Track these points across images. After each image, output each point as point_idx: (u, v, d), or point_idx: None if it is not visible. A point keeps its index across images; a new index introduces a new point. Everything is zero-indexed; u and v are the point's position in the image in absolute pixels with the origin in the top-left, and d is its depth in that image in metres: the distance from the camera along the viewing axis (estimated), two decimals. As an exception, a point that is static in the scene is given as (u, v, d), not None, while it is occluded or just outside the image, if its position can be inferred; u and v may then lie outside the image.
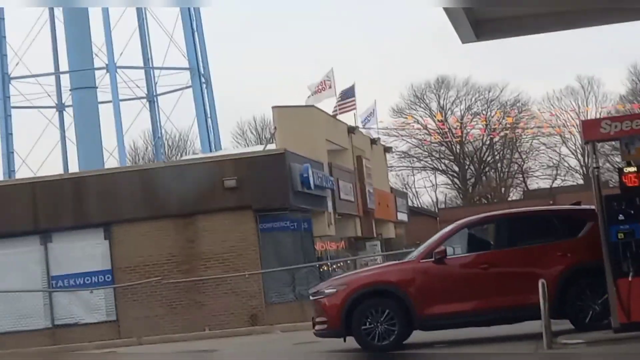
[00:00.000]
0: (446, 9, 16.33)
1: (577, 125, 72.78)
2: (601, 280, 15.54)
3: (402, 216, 56.30)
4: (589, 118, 59.80)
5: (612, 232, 15.21)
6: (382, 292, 17.56)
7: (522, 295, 16.72)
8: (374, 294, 17.56)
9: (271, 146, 39.25)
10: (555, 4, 17.29)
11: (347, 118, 46.32)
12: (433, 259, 17.47)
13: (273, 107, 38.16)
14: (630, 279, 14.95)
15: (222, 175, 30.39)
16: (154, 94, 58.93)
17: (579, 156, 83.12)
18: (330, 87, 42.98)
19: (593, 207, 16.20)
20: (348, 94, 45.99)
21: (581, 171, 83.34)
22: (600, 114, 74.08)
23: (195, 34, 57.65)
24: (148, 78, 58.65)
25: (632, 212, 15.21)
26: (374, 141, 50.42)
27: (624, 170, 15.48)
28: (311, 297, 18.51)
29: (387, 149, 57.40)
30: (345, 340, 17.67)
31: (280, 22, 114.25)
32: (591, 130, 15.74)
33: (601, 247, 15.38)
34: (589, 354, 14.42)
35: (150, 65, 58.53)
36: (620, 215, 15.24)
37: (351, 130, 44.15)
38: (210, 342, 24.77)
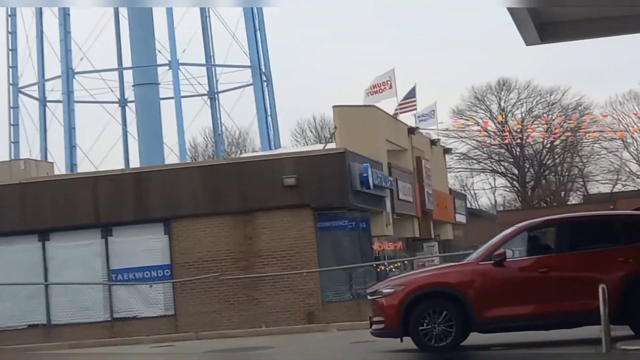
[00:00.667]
0: (511, 11, 16.25)
1: (639, 129, 72.04)
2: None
3: (461, 218, 56.13)
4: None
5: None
6: (441, 293, 17.52)
7: (582, 300, 16.61)
8: (432, 295, 17.53)
9: (331, 145, 39.33)
10: (623, 6, 17.15)
11: (408, 119, 46.28)
12: (492, 262, 17.41)
13: (334, 107, 38.24)
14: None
15: (282, 173, 30.50)
16: (215, 91, 59.29)
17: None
18: (390, 87, 42.92)
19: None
20: (409, 95, 45.94)
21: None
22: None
23: (257, 32, 57.94)
24: (209, 75, 59.05)
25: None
26: (433, 142, 50.32)
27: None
28: (369, 297, 18.53)
29: (447, 150, 57.26)
30: (402, 341, 17.67)
31: (343, 21, 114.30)
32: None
33: (663, 253, 15.23)
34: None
35: (212, 63, 58.89)
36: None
37: (411, 131, 44.11)
38: (267, 339, 24.88)
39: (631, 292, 16.67)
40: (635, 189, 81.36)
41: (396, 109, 44.72)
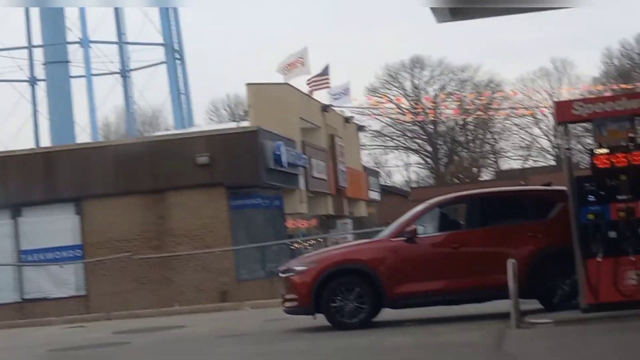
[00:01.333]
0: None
1: (549, 106, 73.00)
2: (570, 261, 15.59)
3: (374, 195, 56.40)
4: (561, 100, 59.94)
5: (582, 213, 15.27)
6: (353, 270, 17.55)
7: (492, 275, 16.75)
8: (344, 272, 17.56)
9: (245, 123, 39.18)
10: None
11: (321, 97, 46.27)
12: (404, 238, 17.50)
13: (247, 84, 38.10)
14: (599, 260, 15.01)
15: (194, 151, 30.33)
16: (127, 69, 58.65)
17: (551, 137, 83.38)
18: (303, 65, 42.86)
19: (564, 188, 16.24)
20: (322, 72, 45.93)
21: (553, 152, 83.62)
22: (572, 96, 74.34)
23: (170, 10, 57.39)
24: (121, 53, 58.40)
25: (603, 193, 15.26)
26: (347, 120, 50.43)
27: (596, 152, 15.51)
28: (281, 275, 18.50)
29: (360, 128, 57.44)
30: (315, 318, 17.69)
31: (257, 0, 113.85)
32: (564, 112, 15.77)
33: (571, 228, 15.42)
34: (556, 334, 14.47)
35: (124, 40, 58.22)
36: (591, 196, 15.29)
37: (325, 108, 44.13)
38: (179, 318, 24.72)
39: (540, 266, 16.87)
40: (546, 164, 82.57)
41: (308, 84, 44.62)
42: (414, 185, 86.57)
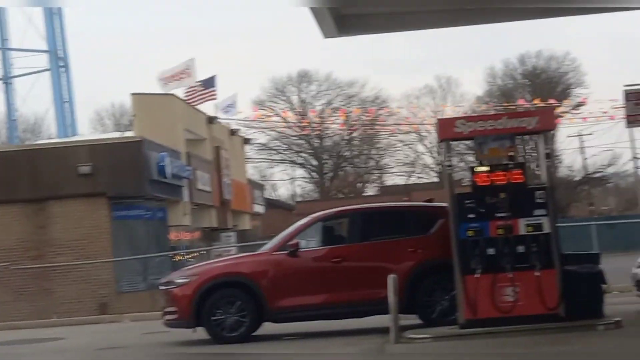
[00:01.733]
0: (310, 5, 16.34)
1: (433, 123, 73.98)
2: (450, 277, 15.76)
3: (259, 208, 56.34)
4: (444, 117, 60.76)
5: (462, 229, 15.44)
6: (234, 283, 17.48)
7: (373, 289, 16.88)
8: (225, 285, 17.48)
9: (129, 133, 38.75)
10: (415, 4, 17.51)
11: (207, 109, 46.05)
12: (286, 252, 17.50)
13: (132, 94, 37.68)
14: (477, 276, 15.21)
15: (77, 161, 29.89)
16: (10, 75, 57.56)
17: (435, 154, 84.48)
18: (190, 76, 42.61)
19: (445, 204, 16.43)
20: (209, 84, 45.70)
21: (436, 169, 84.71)
22: (456, 114, 75.46)
23: (55, 16, 56.52)
24: (4, 59, 57.29)
25: (483, 210, 15.47)
26: (233, 132, 50.29)
27: (476, 170, 15.73)
28: (161, 287, 18.31)
29: (246, 141, 57.32)
30: (195, 331, 17.54)
31: (144, 9, 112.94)
32: (446, 129, 15.96)
33: (451, 244, 15.60)
34: (434, 349, 14.61)
35: (7, 47, 57.15)
36: (471, 213, 15.47)
37: (210, 120, 43.94)
38: (58, 330, 24.27)
39: (420, 282, 17.05)
40: (429, 181, 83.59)
41: (193, 95, 44.31)
42: (299, 199, 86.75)
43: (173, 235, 36.38)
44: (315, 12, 16.91)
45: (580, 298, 15.26)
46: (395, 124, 76.94)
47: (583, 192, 79.59)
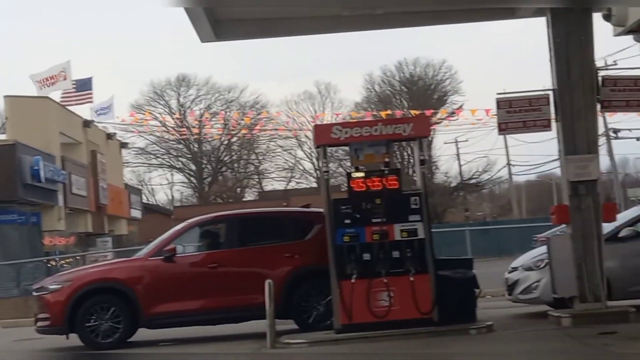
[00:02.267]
0: (186, 9, 16.24)
1: (312, 129, 74.22)
2: (326, 282, 15.80)
3: (136, 213, 55.79)
4: (323, 123, 61.08)
5: (338, 235, 15.50)
6: (109, 289, 17.26)
7: (250, 295, 16.85)
8: (100, 291, 17.25)
9: (1, 137, 37.96)
10: (291, 10, 17.55)
11: (84, 112, 45.41)
12: (162, 257, 17.35)
13: (5, 97, 36.94)
14: (353, 281, 15.29)
15: (-54, 163, 29.13)
16: None
17: (314, 159, 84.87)
18: (65, 78, 41.95)
19: (322, 210, 16.48)
20: (84, 86, 45.06)
21: (315, 174, 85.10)
22: (335, 120, 75.94)
23: None
24: None
25: (358, 216, 15.55)
26: (109, 136, 49.72)
27: (352, 175, 15.82)
28: (34, 293, 17.97)
29: (123, 145, 56.75)
30: (68, 338, 17.26)
31: (24, 9, 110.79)
32: (322, 135, 16.02)
33: (327, 249, 15.65)
34: (310, 354, 14.65)
35: None
36: (347, 219, 15.55)
37: (86, 124, 43.34)
38: None
39: (296, 287, 17.08)
40: (308, 186, 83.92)
41: (67, 98, 43.67)
42: (178, 204, 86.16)
43: (47, 241, 35.79)
44: (192, 16, 16.82)
45: (454, 303, 15.48)
46: (274, 129, 77.05)
47: (459, 198, 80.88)
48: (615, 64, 45.41)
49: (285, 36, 20.73)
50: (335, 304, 15.47)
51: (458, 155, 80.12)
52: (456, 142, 78.77)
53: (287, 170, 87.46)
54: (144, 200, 72.98)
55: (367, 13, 17.19)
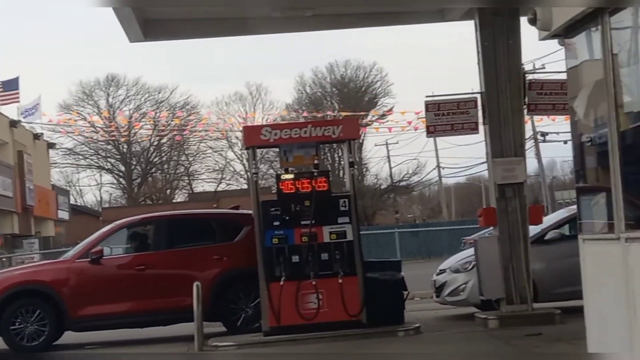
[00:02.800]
0: (114, 8, 16.10)
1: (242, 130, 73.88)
2: (255, 284, 15.74)
3: (63, 214, 55.21)
4: (250, 124, 60.97)
5: (267, 237, 15.45)
6: (34, 291, 17.06)
7: (178, 297, 16.76)
8: (25, 294, 17.04)
9: None
10: (219, 11, 17.49)
11: (10, 112, 44.81)
12: (89, 259, 17.18)
13: None
14: (281, 283, 15.25)
15: None
16: None
17: (244, 161, 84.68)
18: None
19: (251, 211, 16.42)
20: (11, 86, 44.47)
21: (246, 176, 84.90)
22: (266, 121, 75.89)
23: None
24: None
25: (287, 218, 15.52)
26: (37, 136, 49.13)
27: (281, 177, 15.78)
28: (-46, 296, 17.67)
29: (51, 145, 56.15)
30: (-9, 341, 17.02)
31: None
32: (251, 137, 15.96)
33: (256, 251, 15.59)
34: (238, 356, 14.59)
35: None
36: (276, 221, 15.50)
37: (13, 124, 42.79)
38: None
39: (224, 289, 17.01)
40: (239, 188, 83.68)
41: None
42: (106, 205, 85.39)
43: (-28, 242, 35.20)
44: (121, 16, 16.68)
45: (382, 305, 15.52)
46: (204, 130, 76.74)
47: (389, 200, 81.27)
48: (544, 68, 46.04)
49: (215, 37, 20.70)
50: (263, 306, 15.42)
51: (388, 157, 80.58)
52: (386, 144, 79.19)
53: (218, 171, 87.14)
54: (72, 201, 72.25)
55: (297, 15, 17.17)
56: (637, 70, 8.90)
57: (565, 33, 10.23)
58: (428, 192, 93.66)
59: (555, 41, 10.66)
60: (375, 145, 78.75)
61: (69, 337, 17.38)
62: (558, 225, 17.83)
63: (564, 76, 13.27)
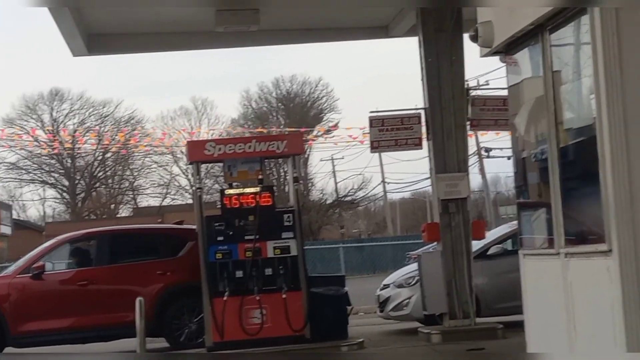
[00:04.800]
0: (57, 21, 16.01)
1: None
2: (198, 300, 15.68)
3: (6, 229, 54.64)
4: (194, 139, 60.78)
5: (210, 252, 15.40)
6: (-26, 307, 16.85)
7: (120, 313, 16.65)
8: (-35, 310, 16.82)
9: None
10: (163, 25, 17.46)
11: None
12: (30, 274, 17.02)
13: None
14: (225, 298, 15.20)
15: None
16: None
17: (190, 176, 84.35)
18: None
19: (195, 226, 16.37)
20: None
21: (191, 191, 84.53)
22: (212, 136, 75.68)
23: None
24: None
25: (231, 233, 15.47)
26: (-21, 150, 48.60)
27: (225, 192, 15.75)
28: None
29: (-7, 159, 55.55)
30: None
31: None
32: (195, 151, 15.93)
33: (200, 266, 15.54)
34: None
35: None
36: (220, 235, 15.46)
37: (-45, 137, 42.33)
38: None
39: (168, 304, 16.95)
40: (184, 202, 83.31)
41: None
42: (50, 220, 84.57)
43: None
44: (64, 30, 16.58)
45: (326, 320, 15.52)
46: (149, 145, 76.37)
47: (334, 215, 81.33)
48: (487, 84, 46.43)
49: (159, 51, 20.60)
50: (207, 321, 15.36)
51: (334, 172, 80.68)
52: (332, 159, 79.32)
53: (163, 186, 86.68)
54: (15, 216, 71.48)
55: (242, 29, 17.17)
56: (578, 87, 9.02)
57: (507, 50, 10.35)
58: (373, 207, 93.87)
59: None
60: (321, 160, 78.84)
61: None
62: (500, 240, 17.97)
63: (506, 92, 13.42)
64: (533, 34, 9.56)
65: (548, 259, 9.41)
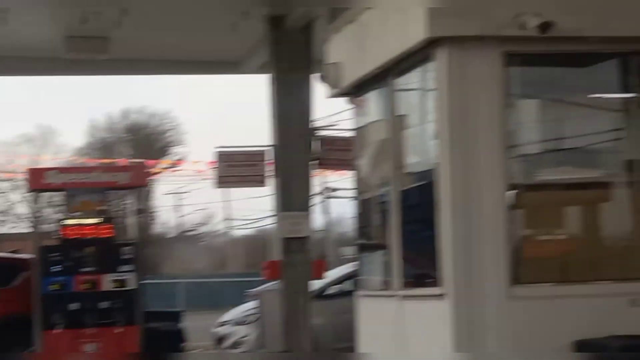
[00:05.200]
0: None
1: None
2: (31, 332, 15.26)
3: None
4: (34, 167, 59.49)
5: (45, 282, 15.02)
6: None
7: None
8: None
9: None
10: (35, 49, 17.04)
11: None
12: None
13: None
14: (58, 331, 14.82)
15: None
16: None
17: (30, 204, 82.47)
18: None
19: (31, 256, 15.96)
20: None
21: (30, 219, 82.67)
22: (55, 164, 74.22)
23: None
24: None
25: (68, 264, 15.15)
26: None
27: (64, 222, 15.41)
28: None
29: None
30: None
31: None
32: (35, 180, 15.60)
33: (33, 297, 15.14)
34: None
35: None
36: (56, 266, 15.10)
37: None
38: None
39: (3, 334, 16.40)
40: (24, 231, 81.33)
41: None
42: None
43: None
44: None
45: (161, 355, 15.28)
46: (-13, 171, 74.32)
47: (177, 250, 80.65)
48: (337, 124, 46.87)
49: (2, 75, 20.07)
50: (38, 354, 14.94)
51: (177, 206, 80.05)
52: (176, 193, 78.71)
53: (0, 213, 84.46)
54: None
55: (91, 58, 16.87)
56: (422, 132, 9.14)
57: (355, 92, 10.44)
58: (216, 243, 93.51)
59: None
60: (165, 194, 78.10)
61: None
62: (339, 280, 18.06)
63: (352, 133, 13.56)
64: (380, 78, 9.66)
65: (384, 300, 9.47)
